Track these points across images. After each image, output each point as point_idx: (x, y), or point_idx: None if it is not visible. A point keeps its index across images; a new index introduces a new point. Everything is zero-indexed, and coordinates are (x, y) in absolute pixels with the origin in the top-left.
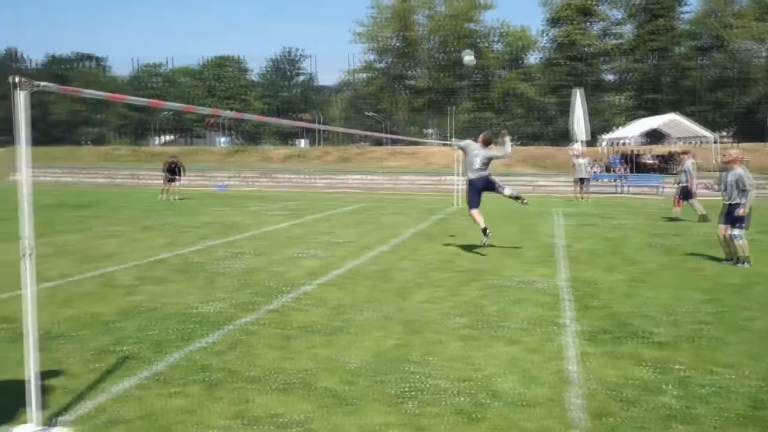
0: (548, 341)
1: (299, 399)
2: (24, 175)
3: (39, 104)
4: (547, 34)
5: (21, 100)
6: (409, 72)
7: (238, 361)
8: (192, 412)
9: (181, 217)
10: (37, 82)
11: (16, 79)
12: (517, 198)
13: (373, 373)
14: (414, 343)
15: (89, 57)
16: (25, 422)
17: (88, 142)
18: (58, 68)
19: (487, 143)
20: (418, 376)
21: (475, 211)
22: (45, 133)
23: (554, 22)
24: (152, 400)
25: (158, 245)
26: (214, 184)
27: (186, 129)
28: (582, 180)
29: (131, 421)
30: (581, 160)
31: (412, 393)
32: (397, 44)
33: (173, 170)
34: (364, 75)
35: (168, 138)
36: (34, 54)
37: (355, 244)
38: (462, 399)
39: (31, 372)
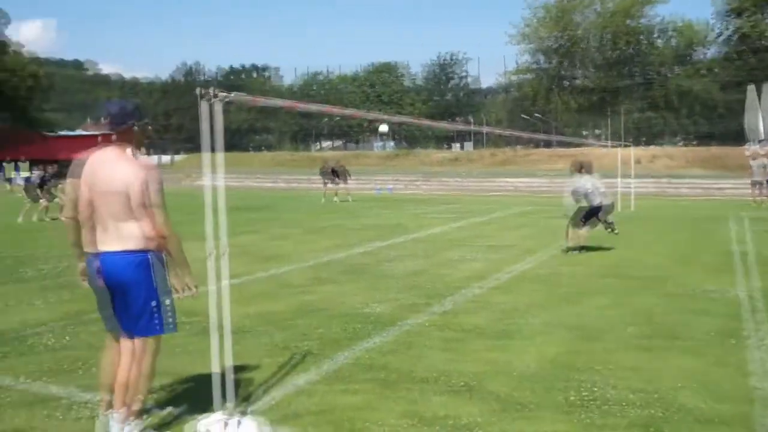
0: (730, 354)
1: (468, 402)
2: (210, 180)
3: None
4: (722, 28)
5: (209, 110)
6: (570, 72)
7: (407, 361)
8: (365, 409)
9: (347, 220)
10: (223, 93)
11: (203, 91)
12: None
13: (542, 380)
14: (585, 350)
15: (261, 68)
16: (214, 410)
17: (262, 149)
18: (236, 79)
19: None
20: (589, 385)
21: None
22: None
23: (731, 13)
24: (328, 396)
25: (326, 247)
26: (374, 188)
27: (348, 134)
28: (758, 183)
29: (311, 415)
30: (758, 162)
31: (585, 402)
32: (556, 44)
33: (335, 174)
34: (524, 76)
35: (330, 143)
36: (212, 66)
37: (519, 247)
38: (638, 411)
39: (221, 364)
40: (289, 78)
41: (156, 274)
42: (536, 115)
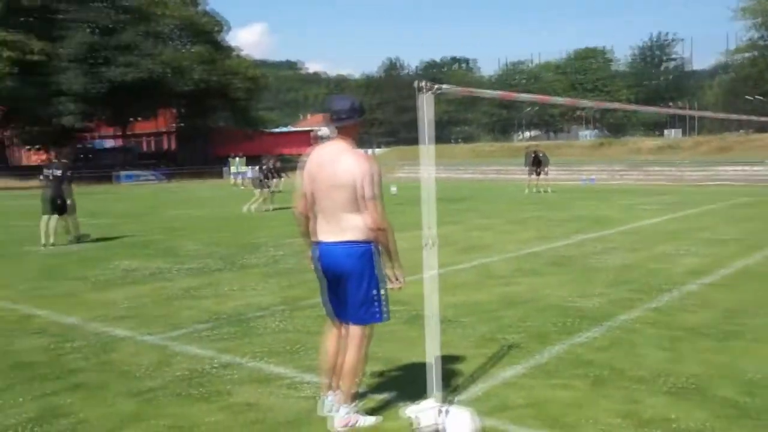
0: None
1: (694, 405)
2: (425, 172)
3: (414, 107)
4: None
5: (424, 102)
6: None
7: (621, 359)
8: (579, 406)
9: (549, 211)
10: (438, 85)
11: (420, 84)
12: None
13: None
14: None
15: (460, 60)
16: (425, 398)
17: (458, 140)
18: (436, 72)
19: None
20: None
21: None
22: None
23: None
24: (538, 390)
25: (530, 238)
26: (579, 178)
27: (549, 123)
28: None
29: (519, 408)
30: None
31: None
32: None
33: (537, 162)
34: (747, 55)
35: (532, 133)
36: (413, 61)
37: (742, 242)
38: None
39: (432, 352)
40: (488, 69)
41: (377, 264)
42: (749, 97)
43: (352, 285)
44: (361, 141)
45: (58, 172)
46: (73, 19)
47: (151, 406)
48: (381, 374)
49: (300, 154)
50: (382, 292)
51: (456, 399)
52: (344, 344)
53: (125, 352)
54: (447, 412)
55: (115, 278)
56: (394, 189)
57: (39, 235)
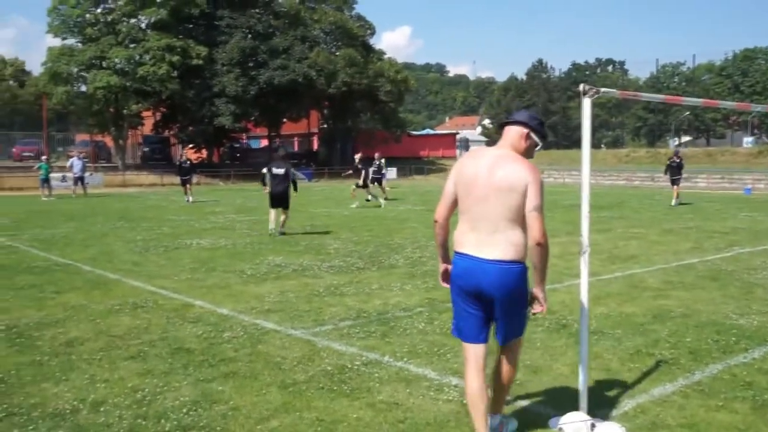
0: None
1: None
2: (584, 177)
3: (561, 110)
4: None
5: (587, 106)
6: None
7: None
8: (740, 431)
9: (705, 221)
10: (600, 89)
11: (584, 87)
12: None
13: None
14: None
15: (609, 61)
16: (571, 409)
17: (600, 146)
18: (581, 75)
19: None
20: None
21: None
22: (567, 138)
23: None
24: (693, 410)
25: (683, 249)
26: (740, 187)
27: (705, 129)
28: None
29: (674, 427)
30: None
31: None
32: None
33: (677, 168)
34: None
35: (685, 139)
36: (559, 63)
37: None
38: None
39: (583, 363)
40: (636, 71)
41: (528, 285)
42: None
43: (509, 306)
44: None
45: (281, 171)
46: (230, 26)
47: (299, 399)
48: (524, 383)
49: (443, 157)
50: (529, 312)
51: (605, 413)
52: (503, 364)
53: (274, 345)
54: (594, 426)
55: (264, 272)
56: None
57: (268, 222)
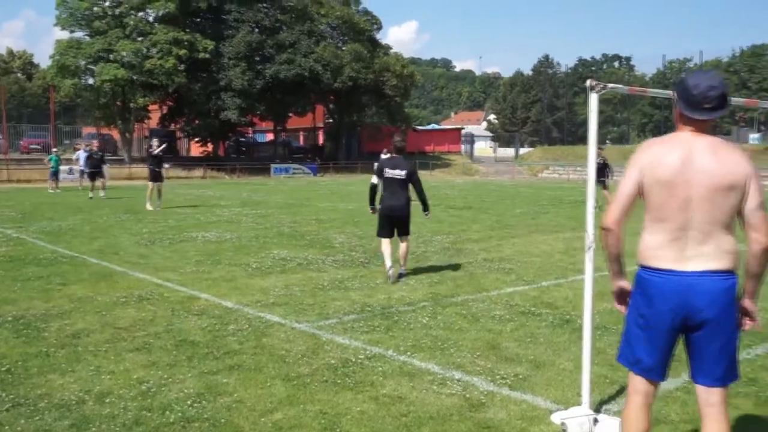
0: None
1: None
2: (590, 174)
3: (567, 106)
4: None
5: (594, 101)
6: None
7: None
8: (742, 426)
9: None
10: (607, 84)
11: (591, 83)
12: None
13: None
14: None
15: (616, 57)
16: (574, 405)
17: (606, 141)
18: (587, 70)
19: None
20: None
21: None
22: (572, 134)
23: None
24: (695, 406)
25: None
26: None
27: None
28: None
29: (677, 423)
30: None
31: None
32: None
33: (600, 170)
34: None
35: None
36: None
37: None
38: None
39: (585, 359)
40: (643, 67)
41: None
42: None
43: (721, 332)
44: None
45: (401, 173)
46: (237, 20)
47: (303, 392)
48: (527, 378)
49: (449, 152)
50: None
51: (607, 408)
52: (719, 416)
53: (278, 338)
54: (596, 420)
55: (268, 266)
56: None
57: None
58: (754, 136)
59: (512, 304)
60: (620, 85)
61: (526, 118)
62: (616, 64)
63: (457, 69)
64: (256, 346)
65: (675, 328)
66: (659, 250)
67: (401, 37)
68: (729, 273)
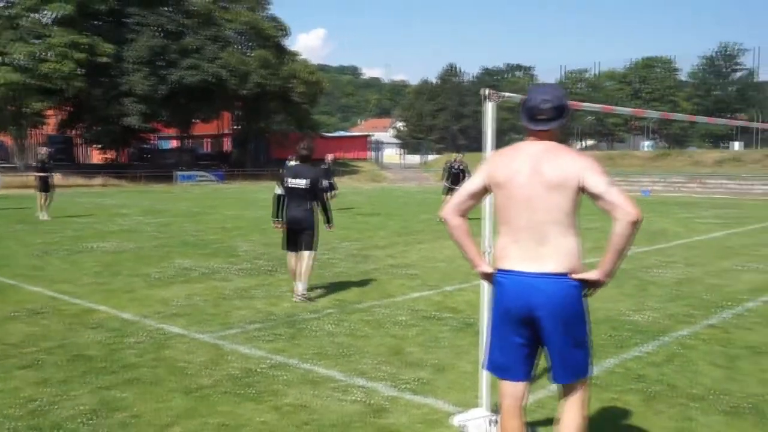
0: None
1: (751, 426)
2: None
3: (473, 114)
4: None
5: (489, 110)
6: None
7: (676, 375)
8: (631, 421)
9: (606, 222)
10: (502, 93)
11: (486, 92)
12: None
13: None
14: None
15: (519, 67)
16: (474, 407)
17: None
18: (491, 79)
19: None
20: None
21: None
22: (478, 141)
23: None
24: (592, 404)
25: (584, 249)
26: (638, 189)
27: (607, 133)
28: None
29: None
30: None
31: None
32: None
33: (460, 175)
34: None
35: (590, 142)
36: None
37: None
38: None
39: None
40: (546, 77)
41: (586, 301)
42: None
43: (570, 333)
44: (416, 147)
45: (302, 182)
46: (140, 23)
47: (203, 404)
48: (429, 382)
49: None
50: (591, 337)
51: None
52: (573, 411)
53: (179, 349)
54: (496, 422)
55: (171, 276)
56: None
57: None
58: (646, 144)
59: (416, 309)
60: (515, 94)
61: (433, 125)
62: (520, 73)
63: (366, 76)
64: (155, 359)
65: (521, 327)
66: (505, 251)
67: (310, 44)
68: (565, 275)
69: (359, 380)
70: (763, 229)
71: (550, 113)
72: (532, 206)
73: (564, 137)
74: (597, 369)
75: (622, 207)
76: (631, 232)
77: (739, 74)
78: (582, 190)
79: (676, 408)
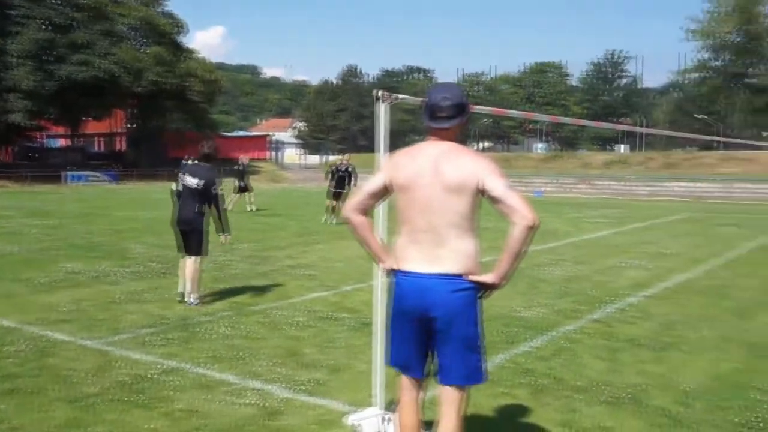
0: None
1: (630, 415)
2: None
3: (372, 114)
4: None
5: (382, 111)
6: (751, 69)
7: (563, 368)
8: (519, 414)
9: (500, 222)
10: (395, 95)
11: (379, 93)
12: None
13: (711, 397)
14: (760, 368)
15: (418, 69)
16: (369, 405)
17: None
18: (392, 81)
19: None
20: (767, 407)
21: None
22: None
23: None
24: (480, 399)
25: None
26: (532, 190)
27: (503, 135)
28: None
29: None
30: None
31: (761, 424)
32: (738, 39)
33: (346, 177)
34: (696, 75)
35: (486, 144)
36: (371, 69)
37: (684, 256)
38: None
39: (377, 360)
40: (445, 79)
41: (480, 303)
42: (698, 116)
43: (457, 334)
44: (317, 147)
45: (194, 182)
46: (25, 15)
47: (89, 413)
48: (325, 382)
49: (256, 159)
50: (484, 342)
51: (395, 407)
52: (451, 412)
53: (64, 357)
54: (389, 420)
55: (57, 280)
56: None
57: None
58: (539, 146)
59: (314, 310)
60: (408, 96)
61: (334, 125)
62: (420, 75)
63: (266, 76)
64: (37, 368)
65: (417, 327)
66: (404, 252)
67: (208, 41)
68: (462, 276)
69: (254, 383)
70: (645, 228)
71: (450, 111)
72: (431, 208)
73: (463, 139)
74: (489, 365)
75: (520, 211)
76: (527, 236)
77: (624, 80)
78: (481, 192)
79: (562, 400)
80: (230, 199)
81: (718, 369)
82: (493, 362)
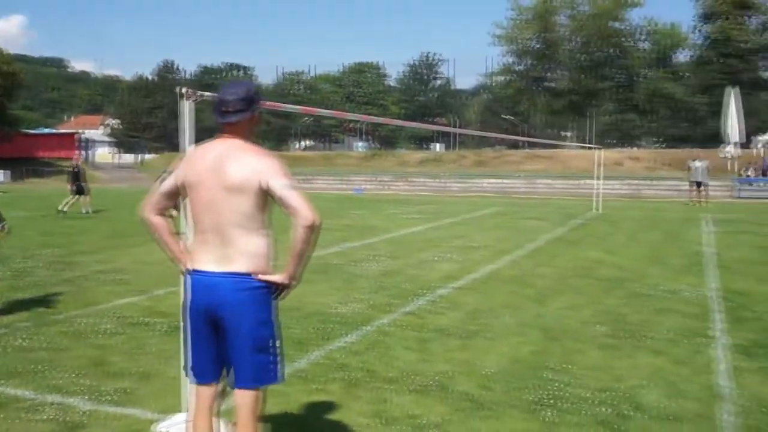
0: (696, 353)
1: (436, 401)
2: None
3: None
4: (700, 31)
5: (186, 109)
6: (549, 74)
7: (376, 361)
8: (333, 409)
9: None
10: (200, 93)
11: (183, 90)
12: None
13: (510, 379)
14: (552, 350)
15: (237, 66)
16: (178, 411)
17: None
18: (209, 78)
19: None
20: (557, 384)
21: None
22: (198, 140)
23: (708, 17)
24: (295, 396)
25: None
26: (352, 188)
27: (325, 134)
28: (698, 183)
29: (276, 416)
30: (697, 163)
31: (551, 401)
32: (537, 45)
33: (77, 177)
34: (502, 78)
35: (308, 143)
36: (188, 65)
37: (492, 248)
38: (603, 409)
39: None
40: (265, 78)
41: (275, 303)
42: (505, 117)
43: (240, 334)
44: (132, 146)
45: None
46: None
47: None
48: (133, 391)
49: (63, 158)
50: (278, 343)
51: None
52: (247, 415)
53: None
54: None
55: None
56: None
57: None
58: (359, 144)
59: (123, 316)
60: (211, 94)
61: (150, 123)
62: (239, 73)
63: (74, 70)
64: None
65: (208, 328)
66: (195, 252)
67: (7, 31)
68: (248, 275)
69: (53, 397)
70: (457, 223)
71: (237, 105)
72: (216, 208)
73: (255, 138)
74: (305, 362)
75: (301, 211)
76: (308, 236)
77: (439, 82)
78: (266, 191)
79: (374, 392)
80: (66, 201)
81: (517, 353)
82: (308, 359)
